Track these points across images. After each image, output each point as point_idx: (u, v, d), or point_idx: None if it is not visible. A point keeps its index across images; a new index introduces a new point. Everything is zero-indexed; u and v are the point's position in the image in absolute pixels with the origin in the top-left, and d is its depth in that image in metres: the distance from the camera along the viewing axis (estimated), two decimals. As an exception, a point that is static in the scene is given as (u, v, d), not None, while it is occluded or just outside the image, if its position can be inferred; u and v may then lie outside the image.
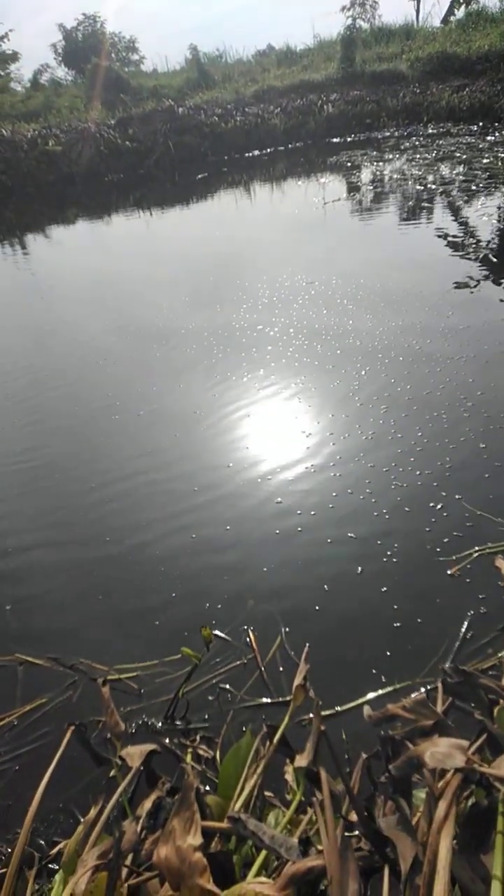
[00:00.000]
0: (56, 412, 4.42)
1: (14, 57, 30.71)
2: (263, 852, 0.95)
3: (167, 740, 1.95)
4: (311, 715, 1.54)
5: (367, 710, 1.18)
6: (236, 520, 2.98)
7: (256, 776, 1.13)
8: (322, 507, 2.97)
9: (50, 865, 1.57)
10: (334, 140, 15.75)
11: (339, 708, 1.97)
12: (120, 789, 1.06)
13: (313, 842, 0.96)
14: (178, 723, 2.01)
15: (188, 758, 1.57)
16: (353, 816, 1.02)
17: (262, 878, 0.89)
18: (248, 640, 2.28)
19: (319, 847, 0.91)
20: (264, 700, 2.05)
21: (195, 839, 0.83)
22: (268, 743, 1.26)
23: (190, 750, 1.64)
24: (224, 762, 1.19)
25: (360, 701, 1.98)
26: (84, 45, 28.56)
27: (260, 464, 3.40)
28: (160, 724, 2.02)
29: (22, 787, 1.95)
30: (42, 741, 2.07)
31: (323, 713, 1.92)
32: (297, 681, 1.29)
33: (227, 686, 2.12)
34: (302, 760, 1.13)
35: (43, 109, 19.57)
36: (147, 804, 1.00)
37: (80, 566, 2.87)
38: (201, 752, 1.62)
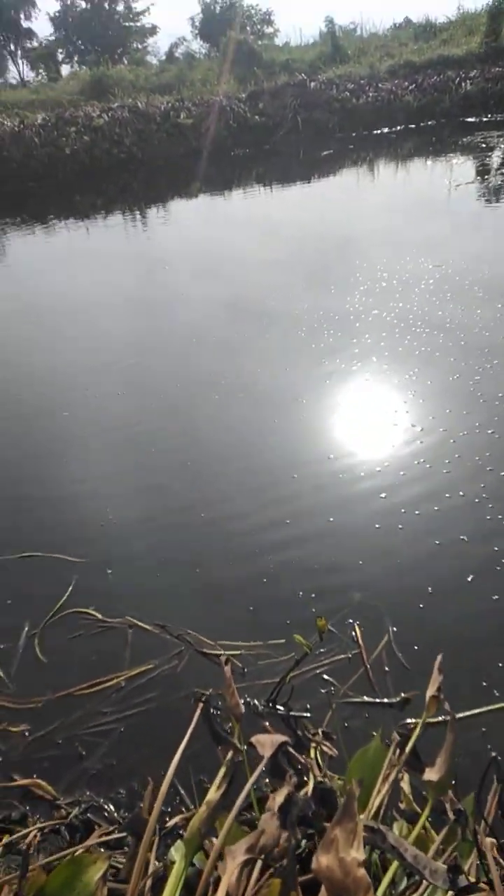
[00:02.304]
0: (156, 386, 4.47)
1: (153, 31, 31.44)
2: (392, 869, 0.91)
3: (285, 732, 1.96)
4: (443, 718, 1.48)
5: None
6: (337, 511, 2.93)
7: (388, 786, 1.10)
8: (430, 506, 2.86)
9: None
10: (469, 119, 14.92)
11: (444, 717, 1.89)
12: (252, 779, 1.06)
13: (462, 868, 0.91)
14: (279, 708, 2.01)
15: (312, 753, 1.56)
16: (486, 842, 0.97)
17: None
18: (353, 634, 2.24)
19: (472, 878, 0.86)
20: (368, 699, 2.00)
21: (359, 853, 0.80)
22: (398, 751, 1.22)
23: (314, 746, 1.63)
24: (351, 766, 1.16)
25: (469, 713, 1.89)
26: (221, 19, 28.61)
27: (365, 456, 3.32)
28: (261, 706, 2.03)
29: (125, 749, 2.02)
30: (147, 706, 2.14)
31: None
32: (431, 691, 1.23)
33: (331, 679, 2.10)
34: (433, 774, 1.07)
35: (176, 82, 19.81)
36: (278, 798, 0.98)
37: (180, 543, 2.92)
38: (325, 748, 1.61)
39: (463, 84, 15.83)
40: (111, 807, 1.85)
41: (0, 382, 4.87)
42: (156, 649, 2.36)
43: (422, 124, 15.47)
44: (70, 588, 2.70)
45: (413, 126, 15.45)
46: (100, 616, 2.55)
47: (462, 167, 10.22)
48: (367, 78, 16.82)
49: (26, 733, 2.12)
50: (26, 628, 2.54)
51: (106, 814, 1.83)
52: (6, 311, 6.64)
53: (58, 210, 11.62)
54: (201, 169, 13.92)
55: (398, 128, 15.45)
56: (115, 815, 1.82)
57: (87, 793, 1.90)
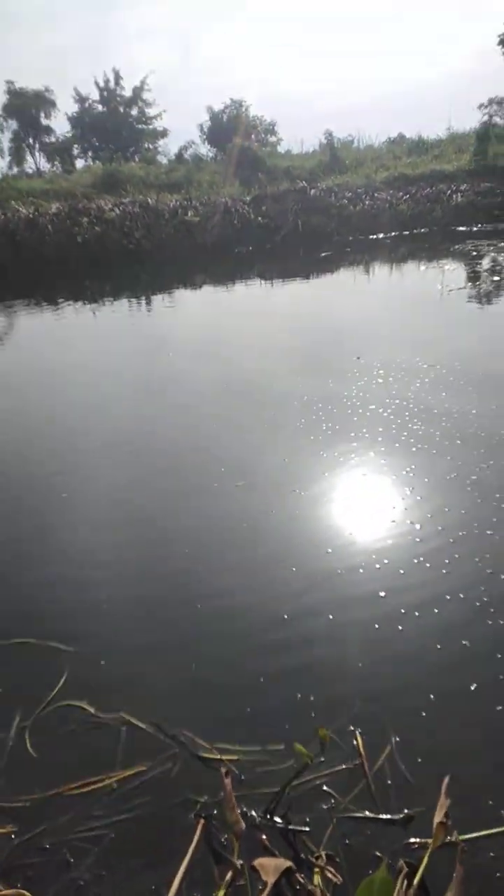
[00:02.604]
0: (151, 472, 4.53)
1: (164, 133, 33.70)
2: None
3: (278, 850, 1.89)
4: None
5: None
6: (336, 609, 2.92)
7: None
8: (430, 608, 2.86)
9: None
10: (460, 228, 15.94)
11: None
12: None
13: None
14: (277, 820, 1.95)
15: (316, 879, 1.51)
16: None
17: None
18: (354, 742, 2.20)
19: None
20: (370, 814, 1.95)
21: None
22: (406, 883, 1.20)
23: (317, 871, 1.58)
24: None
25: (479, 833, 1.83)
26: (227, 127, 30.79)
27: (362, 552, 3.33)
28: (259, 818, 1.97)
29: (116, 859, 1.94)
30: (140, 811, 2.07)
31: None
32: (438, 817, 1.22)
33: (331, 790, 2.05)
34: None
35: (184, 181, 21.12)
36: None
37: (175, 635, 2.88)
38: (329, 874, 1.55)
39: (454, 196, 17.00)
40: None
41: None
42: (150, 749, 2.30)
43: (415, 231, 16.47)
44: (63, 679, 2.65)
45: (407, 232, 16.44)
46: (93, 710, 2.49)
47: (453, 273, 10.82)
48: (363, 187, 18.04)
49: (12, 836, 2.03)
50: (17, 720, 2.47)
51: (93, 933, 1.73)
52: (4, 384, 6.81)
53: (68, 294, 12.09)
54: (206, 263, 14.62)
55: (392, 233, 16.43)
56: (103, 934, 1.72)
57: (74, 907, 1.81)
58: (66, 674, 2.67)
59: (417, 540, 3.38)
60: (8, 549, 3.67)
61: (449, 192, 17.29)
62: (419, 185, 18.04)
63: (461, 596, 2.92)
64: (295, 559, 3.33)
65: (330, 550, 3.37)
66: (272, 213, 16.49)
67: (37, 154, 34.83)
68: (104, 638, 2.89)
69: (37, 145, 34.87)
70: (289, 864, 1.18)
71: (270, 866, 1.14)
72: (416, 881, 1.20)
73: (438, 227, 16.43)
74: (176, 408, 5.74)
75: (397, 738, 2.21)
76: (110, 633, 2.94)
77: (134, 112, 33.30)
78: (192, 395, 6.04)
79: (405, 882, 1.21)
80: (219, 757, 2.19)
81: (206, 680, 2.60)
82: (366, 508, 3.79)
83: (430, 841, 1.30)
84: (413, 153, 23.34)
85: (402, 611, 2.86)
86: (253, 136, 31.95)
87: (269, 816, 1.96)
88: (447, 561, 3.18)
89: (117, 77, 32.14)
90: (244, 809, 1.99)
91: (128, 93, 32.57)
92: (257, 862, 1.18)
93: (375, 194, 17.56)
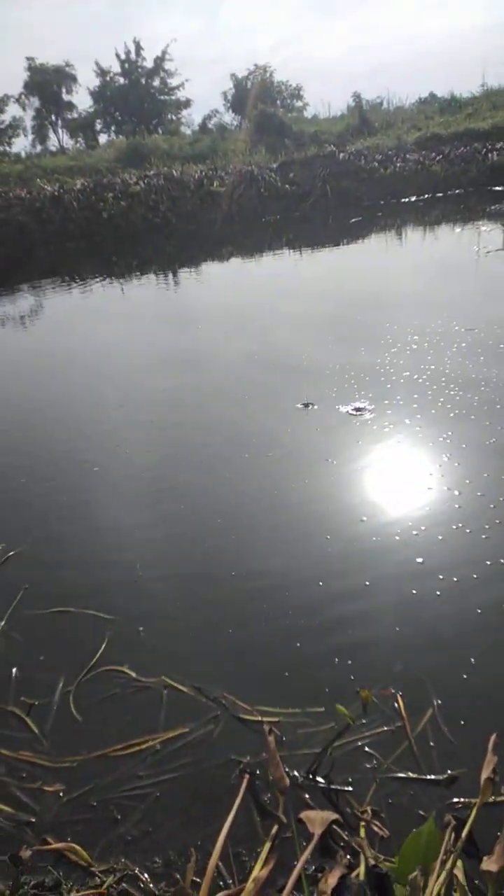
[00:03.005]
0: (185, 443, 4.56)
1: (187, 104, 33.19)
2: None
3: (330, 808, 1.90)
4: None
5: None
6: (373, 574, 2.90)
7: (445, 874, 1.07)
8: (469, 573, 2.82)
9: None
10: (496, 188, 15.37)
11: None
12: (304, 857, 1.04)
13: None
14: (320, 780, 1.96)
15: (361, 832, 1.52)
16: None
17: None
18: (395, 705, 2.20)
19: None
20: (413, 775, 1.94)
21: None
22: (453, 835, 1.19)
23: (363, 824, 1.58)
24: (404, 849, 1.13)
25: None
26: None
27: (398, 519, 3.29)
28: (301, 778, 1.98)
29: (161, 816, 1.98)
30: (183, 771, 2.10)
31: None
32: (486, 773, 1.20)
33: (373, 752, 2.05)
34: (491, 865, 1.04)
35: (209, 152, 20.80)
36: (331, 880, 0.96)
37: (211, 601, 2.91)
38: (375, 828, 1.56)
39: (490, 155, 16.38)
40: (146, 876, 1.80)
41: (28, 438, 5.01)
42: (191, 712, 2.33)
43: (449, 193, 15.95)
44: (103, 646, 2.69)
45: (440, 194, 15.93)
46: (134, 675, 2.53)
47: (490, 234, 10.47)
48: (394, 149, 17.49)
49: (61, 794, 2.09)
50: (61, 685, 2.53)
51: (141, 884, 1.78)
52: (40, 365, 6.87)
53: (95, 270, 12.09)
54: (233, 234, 14.44)
55: (425, 196, 15.94)
56: (151, 885, 1.76)
57: (123, 860, 1.85)
58: (106, 641, 2.71)
59: (456, 507, 3.33)
60: (43, 526, 3.73)
61: (484, 150, 16.62)
62: (453, 144, 17.39)
63: (501, 561, 2.87)
64: (329, 528, 3.31)
65: (364, 518, 3.34)
66: (300, 179, 16.13)
67: (60, 131, 34.69)
68: (142, 607, 2.93)
69: (59, 122, 34.71)
70: (336, 816, 1.18)
71: (317, 818, 1.15)
72: (464, 834, 1.18)
73: (473, 187, 15.85)
74: (206, 381, 5.71)
75: (439, 701, 2.19)
76: (148, 602, 2.96)
77: (156, 83, 32.82)
78: (221, 366, 6.00)
79: (452, 835, 1.20)
80: (259, 718, 2.20)
81: (243, 646, 2.62)
82: (401, 476, 3.73)
83: (475, 800, 1.29)
84: (445, 112, 22.51)
85: (440, 576, 2.83)
86: (279, 102, 31.27)
87: (311, 777, 1.97)
88: (487, 526, 3.12)
89: (138, 48, 31.62)
90: (287, 770, 2.01)
91: (149, 64, 32.04)
92: (304, 814, 1.18)
93: (407, 156, 17.01)
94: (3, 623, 2.91)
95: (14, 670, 2.64)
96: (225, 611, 2.83)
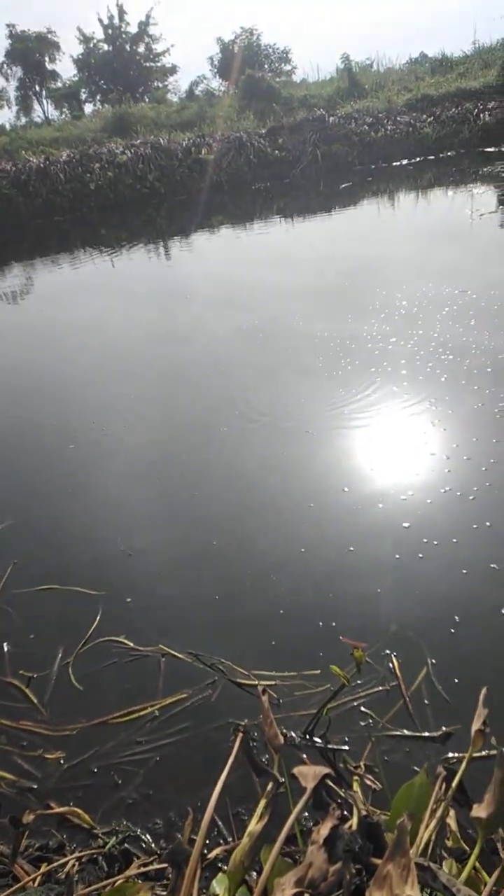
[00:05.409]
0: (170, 415, 4.56)
1: (173, 70, 32.49)
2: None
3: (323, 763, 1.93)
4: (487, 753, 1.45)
5: None
6: (358, 541, 2.90)
7: (436, 822, 1.08)
8: (457, 535, 2.82)
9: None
10: (489, 149, 15.10)
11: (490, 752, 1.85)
12: (297, 809, 1.05)
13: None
14: (317, 740, 1.99)
15: (355, 786, 1.54)
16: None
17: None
18: (390, 666, 2.22)
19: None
20: (408, 732, 1.97)
21: (413, 891, 0.80)
22: (444, 786, 1.20)
23: (356, 778, 1.61)
24: (396, 800, 1.15)
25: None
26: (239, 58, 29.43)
27: (386, 485, 3.28)
28: (298, 738, 2.01)
29: (161, 779, 2.01)
30: (182, 736, 2.13)
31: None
32: (476, 725, 1.22)
33: (369, 711, 2.07)
34: (481, 811, 1.06)
35: (197, 119, 20.36)
36: (323, 830, 0.98)
37: (197, 575, 2.91)
38: (368, 782, 1.58)
39: (482, 115, 16.06)
40: (148, 837, 1.84)
41: (14, 412, 4.98)
42: (189, 678, 2.35)
43: (441, 155, 15.68)
44: (97, 619, 2.70)
45: (432, 157, 15.67)
46: (131, 644, 2.55)
47: (483, 196, 10.32)
48: (384, 112, 17.13)
49: (61, 761, 2.12)
50: (59, 657, 2.55)
51: (143, 844, 1.81)
52: (26, 340, 6.81)
53: (83, 243, 11.92)
54: (223, 202, 14.21)
55: (417, 159, 15.68)
56: (153, 846, 1.80)
57: (124, 822, 1.89)
58: (100, 615, 2.72)
59: (446, 471, 3.31)
60: (31, 502, 3.72)
61: (476, 111, 16.29)
62: (444, 105, 17.03)
63: (488, 524, 2.87)
64: (312, 496, 3.30)
65: (346, 489, 3.31)
66: (289, 144, 15.84)
67: (44, 101, 33.94)
68: (132, 580, 2.93)
69: (43, 92, 33.95)
70: (328, 770, 1.19)
71: (309, 773, 1.16)
72: (454, 783, 1.20)
73: (466, 149, 15.58)
74: (191, 351, 5.68)
75: (433, 661, 2.21)
76: (137, 575, 2.96)
77: (141, 49, 32.08)
78: (211, 337, 5.95)
79: (444, 785, 1.22)
80: (256, 682, 2.23)
81: (235, 615, 2.63)
82: (389, 442, 3.71)
83: (470, 749, 1.30)
84: (437, 72, 21.99)
85: (425, 540, 2.82)
86: (266, 66, 30.53)
87: (307, 736, 2.00)
88: (475, 489, 3.12)
89: (121, 12, 30.84)
90: (284, 731, 2.04)
91: (133, 28, 31.23)
92: (296, 770, 1.20)
93: (398, 118, 16.67)
94: (-3, 598, 2.92)
95: (5, 644, 2.65)
96: (214, 582, 2.83)
